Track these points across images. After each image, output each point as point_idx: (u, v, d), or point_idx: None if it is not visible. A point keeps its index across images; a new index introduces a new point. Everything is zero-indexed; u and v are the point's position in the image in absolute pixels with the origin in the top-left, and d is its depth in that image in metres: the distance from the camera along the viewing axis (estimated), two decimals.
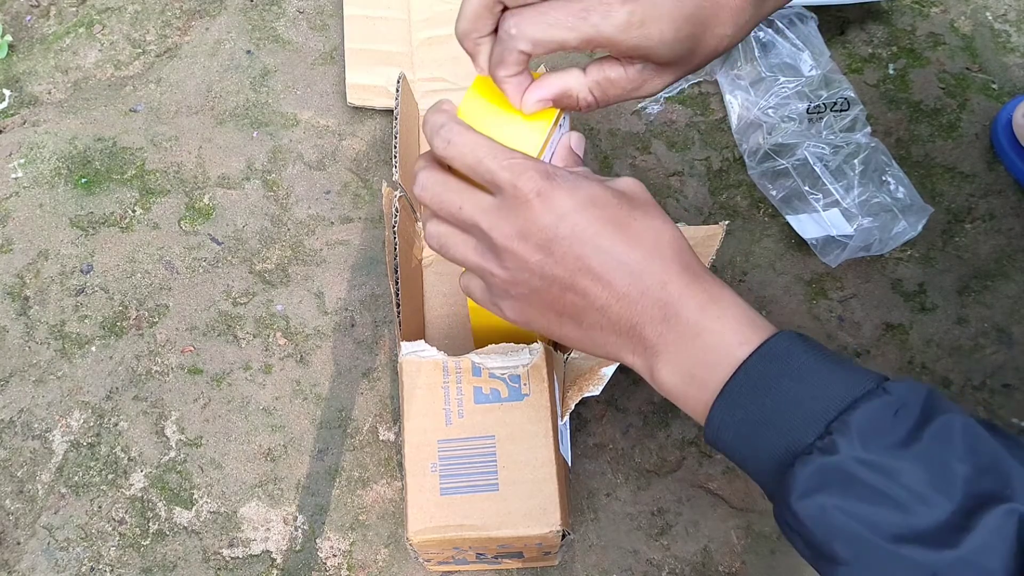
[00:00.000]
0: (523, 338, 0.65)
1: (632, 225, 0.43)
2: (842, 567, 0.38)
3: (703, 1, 0.44)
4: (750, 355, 0.40)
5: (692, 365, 0.41)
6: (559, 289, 0.43)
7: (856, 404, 0.37)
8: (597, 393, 0.62)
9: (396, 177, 0.68)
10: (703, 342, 0.41)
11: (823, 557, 0.38)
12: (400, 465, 0.72)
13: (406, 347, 0.62)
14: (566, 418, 0.63)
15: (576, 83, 0.46)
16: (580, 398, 0.62)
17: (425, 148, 0.82)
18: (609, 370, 0.62)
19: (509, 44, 0.43)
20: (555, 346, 0.70)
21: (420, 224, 0.77)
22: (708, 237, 0.68)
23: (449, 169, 0.45)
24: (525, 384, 0.61)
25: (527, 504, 0.59)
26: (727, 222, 0.69)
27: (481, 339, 0.67)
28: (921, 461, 0.36)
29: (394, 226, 0.67)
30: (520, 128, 0.46)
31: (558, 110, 0.47)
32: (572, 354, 0.66)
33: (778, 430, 0.39)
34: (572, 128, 0.51)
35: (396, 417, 0.73)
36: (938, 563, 0.35)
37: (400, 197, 0.68)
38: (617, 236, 0.42)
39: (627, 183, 0.45)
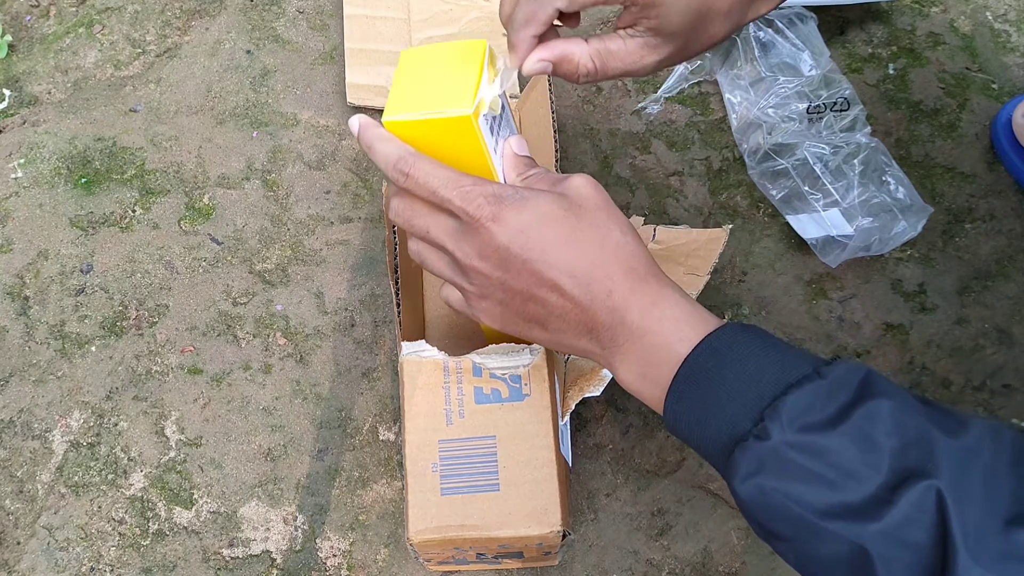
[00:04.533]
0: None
1: (578, 237, 0.45)
2: (784, 543, 0.40)
3: None
4: (691, 351, 0.43)
5: (642, 364, 0.45)
6: (521, 300, 0.47)
7: (789, 390, 0.39)
8: (598, 394, 0.62)
9: None
10: (648, 343, 0.44)
11: (770, 534, 0.41)
12: (400, 465, 0.72)
13: (407, 347, 0.62)
14: (567, 418, 0.63)
15: (578, 50, 0.49)
16: (581, 399, 0.62)
17: None
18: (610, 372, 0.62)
19: (544, 2, 0.47)
20: None
21: None
22: (711, 240, 0.68)
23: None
24: (526, 384, 0.61)
25: (528, 504, 0.59)
26: (730, 226, 0.69)
27: (491, 334, 0.68)
28: (849, 438, 0.37)
29: (394, 226, 0.67)
30: (449, 88, 0.48)
31: (483, 71, 0.48)
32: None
33: (720, 419, 0.41)
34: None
35: (396, 417, 0.73)
36: (863, 535, 0.36)
37: None
38: (564, 250, 0.45)
39: (577, 186, 0.47)
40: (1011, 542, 0.34)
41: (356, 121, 0.49)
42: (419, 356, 0.62)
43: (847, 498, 0.37)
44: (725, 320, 0.45)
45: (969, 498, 0.35)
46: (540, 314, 0.47)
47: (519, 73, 0.52)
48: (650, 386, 0.45)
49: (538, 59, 0.49)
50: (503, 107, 0.51)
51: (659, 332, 0.44)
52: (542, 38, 0.50)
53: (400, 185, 0.48)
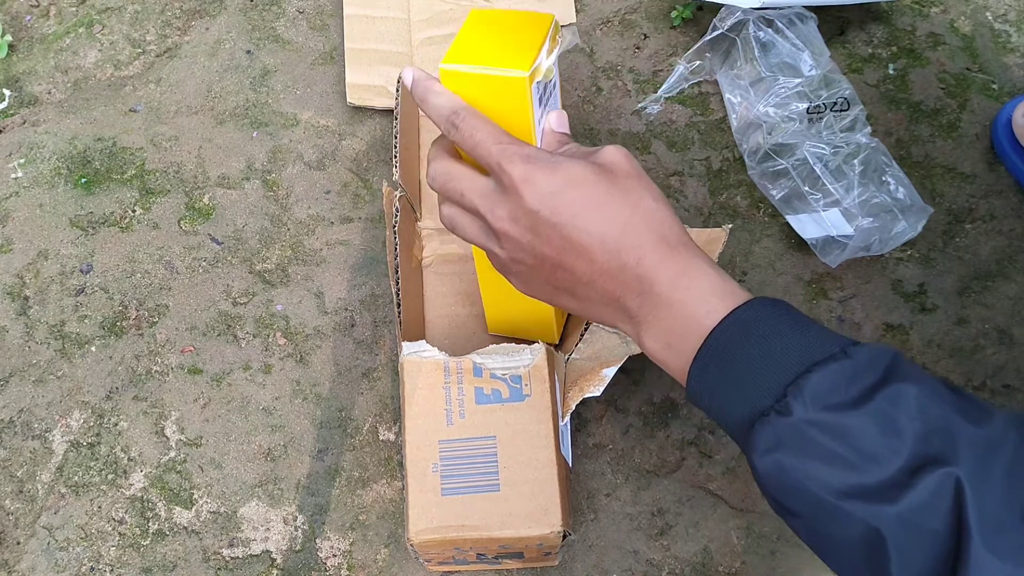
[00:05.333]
0: (534, 319, 0.66)
1: (609, 203, 0.45)
2: (798, 520, 0.40)
3: None
4: (717, 324, 0.42)
5: (667, 334, 0.44)
6: (550, 266, 0.47)
7: (814, 367, 0.38)
8: (598, 394, 0.62)
9: (396, 177, 0.68)
10: (675, 313, 0.44)
11: (785, 510, 0.40)
12: (400, 465, 0.72)
13: (407, 347, 0.62)
14: (567, 419, 0.63)
15: None
16: (581, 399, 0.62)
17: (425, 147, 0.82)
18: (610, 371, 0.62)
19: None
20: (557, 346, 0.70)
21: (420, 223, 0.77)
22: (711, 240, 0.68)
23: (454, 156, 0.49)
24: (526, 385, 0.61)
25: (528, 505, 0.59)
26: (730, 226, 0.69)
27: (493, 315, 0.69)
28: (872, 420, 0.37)
29: (395, 226, 0.67)
30: (511, 49, 0.48)
31: (545, 40, 0.48)
32: (573, 354, 0.66)
33: (742, 394, 0.41)
34: (570, 132, 0.52)
35: (396, 417, 0.73)
36: (878, 517, 0.36)
37: (400, 197, 0.68)
38: (595, 215, 0.45)
39: (610, 155, 0.47)
40: None
41: (410, 73, 0.49)
42: (419, 356, 0.62)
43: (865, 479, 0.37)
44: (751, 295, 0.44)
45: (988, 489, 0.35)
46: (568, 281, 0.47)
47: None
48: (675, 356, 0.44)
49: None
50: (555, 83, 0.52)
51: (687, 303, 0.43)
52: None
53: (451, 137, 0.48)
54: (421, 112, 0.81)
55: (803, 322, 0.41)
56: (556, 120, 0.51)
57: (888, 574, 0.36)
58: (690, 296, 0.43)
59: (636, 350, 0.65)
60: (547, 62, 0.48)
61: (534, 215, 0.45)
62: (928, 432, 0.37)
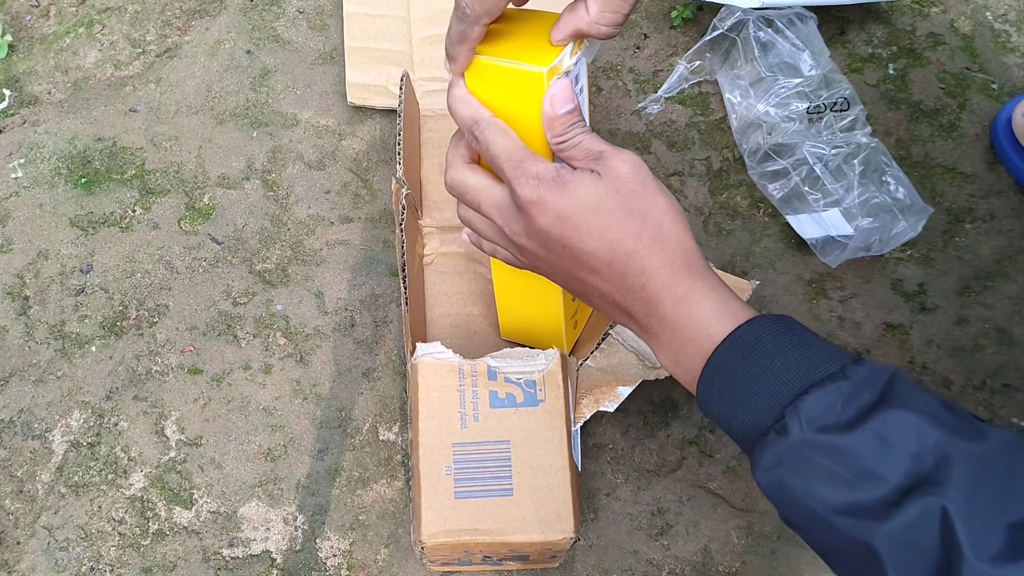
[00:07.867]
0: (546, 329, 0.66)
1: (615, 227, 0.46)
2: (800, 530, 0.42)
3: None
4: (717, 347, 0.44)
5: (675, 352, 0.47)
6: (565, 277, 0.50)
7: (811, 388, 0.40)
8: (611, 410, 0.62)
9: (400, 174, 0.68)
10: (679, 336, 0.46)
11: (788, 521, 0.43)
12: (403, 465, 0.72)
13: (421, 348, 0.62)
14: (579, 425, 0.63)
15: (583, 22, 0.48)
16: (596, 410, 0.62)
17: (427, 145, 0.82)
18: (626, 390, 0.62)
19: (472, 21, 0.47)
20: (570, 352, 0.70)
21: (421, 222, 0.77)
22: (735, 290, 0.68)
23: (470, 162, 0.52)
24: (540, 390, 0.61)
25: (542, 510, 0.58)
26: (757, 282, 0.69)
27: (506, 320, 0.69)
28: (867, 440, 0.38)
29: (401, 223, 0.67)
30: (535, 48, 0.49)
31: (566, 53, 0.50)
32: (588, 361, 0.66)
33: (745, 413, 0.42)
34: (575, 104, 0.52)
35: (396, 417, 0.73)
36: (871, 533, 0.38)
37: (407, 194, 0.68)
38: (601, 239, 0.46)
39: (619, 169, 0.47)
40: (1016, 541, 0.35)
41: (449, 75, 0.51)
42: (435, 358, 0.62)
43: (860, 498, 0.38)
44: (755, 313, 0.45)
45: (978, 505, 0.36)
46: (583, 291, 0.50)
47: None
48: (683, 371, 0.46)
49: (558, 39, 0.49)
50: (582, 89, 0.53)
51: (688, 327, 0.45)
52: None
53: (472, 145, 0.50)
54: (422, 111, 0.81)
55: (805, 339, 0.42)
56: (554, 102, 0.49)
57: None
58: (691, 321, 0.45)
59: (652, 374, 0.65)
60: (568, 61, 0.50)
61: (545, 235, 0.47)
62: (922, 451, 0.38)
